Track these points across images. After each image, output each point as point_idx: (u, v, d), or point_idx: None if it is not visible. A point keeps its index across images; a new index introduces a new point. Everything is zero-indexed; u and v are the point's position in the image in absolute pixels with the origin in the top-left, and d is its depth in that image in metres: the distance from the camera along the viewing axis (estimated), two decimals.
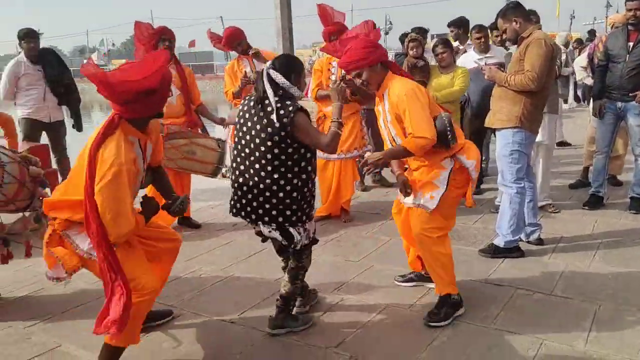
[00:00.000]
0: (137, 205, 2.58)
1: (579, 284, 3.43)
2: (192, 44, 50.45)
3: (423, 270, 3.42)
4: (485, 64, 4.93)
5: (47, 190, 3.40)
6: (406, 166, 3.26)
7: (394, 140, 3.04)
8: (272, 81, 2.76)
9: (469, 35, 6.35)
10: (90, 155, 2.35)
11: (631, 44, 4.64)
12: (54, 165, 5.65)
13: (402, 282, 3.52)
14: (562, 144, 7.92)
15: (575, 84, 11.73)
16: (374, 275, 3.71)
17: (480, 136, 5.32)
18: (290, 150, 2.73)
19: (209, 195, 5.91)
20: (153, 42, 4.60)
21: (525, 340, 2.79)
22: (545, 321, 2.98)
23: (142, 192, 2.86)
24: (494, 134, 3.98)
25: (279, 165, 2.73)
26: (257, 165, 2.76)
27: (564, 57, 7.34)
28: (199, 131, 4.94)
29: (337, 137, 2.80)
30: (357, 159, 4.96)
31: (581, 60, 6.69)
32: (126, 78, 2.38)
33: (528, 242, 4.09)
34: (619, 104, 4.77)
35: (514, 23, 3.74)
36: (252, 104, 2.82)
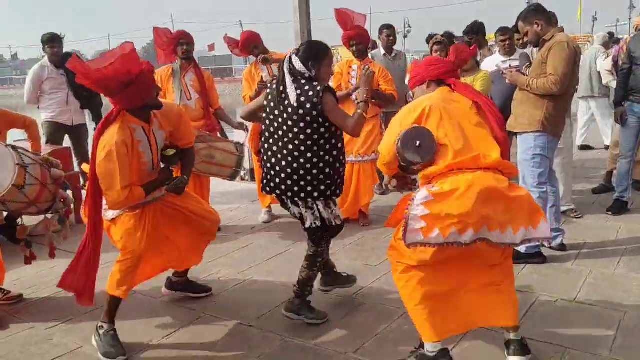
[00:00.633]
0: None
1: (603, 290, 3.37)
2: (211, 47, 50.91)
3: None
4: (510, 66, 4.87)
5: (69, 192, 3.45)
6: None
7: None
8: (292, 67, 2.87)
9: (486, 38, 6.30)
10: (94, 140, 2.81)
11: None
12: (76, 168, 5.73)
13: None
14: (585, 147, 7.81)
15: None
16: (392, 280, 3.66)
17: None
18: (322, 129, 2.85)
19: (228, 198, 5.94)
20: (172, 47, 4.64)
21: (548, 348, 2.74)
22: (568, 328, 2.93)
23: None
24: (516, 137, 3.93)
25: (312, 145, 2.85)
26: (290, 146, 2.88)
27: (604, 57, 7.13)
28: (218, 135, 4.96)
29: (361, 119, 2.89)
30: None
31: (606, 63, 6.59)
32: (95, 66, 2.69)
33: (551, 247, 4.02)
34: None
35: (535, 26, 3.69)
36: (275, 90, 2.93)
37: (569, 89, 3.69)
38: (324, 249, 3.11)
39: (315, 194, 2.92)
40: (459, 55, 2.87)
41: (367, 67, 3.10)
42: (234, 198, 5.88)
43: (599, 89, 7.25)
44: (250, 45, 5.07)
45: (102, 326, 2.92)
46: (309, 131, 2.83)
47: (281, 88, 2.88)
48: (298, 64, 2.86)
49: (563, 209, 4.67)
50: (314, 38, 5.51)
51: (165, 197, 3.08)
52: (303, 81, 2.85)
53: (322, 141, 2.86)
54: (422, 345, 2.60)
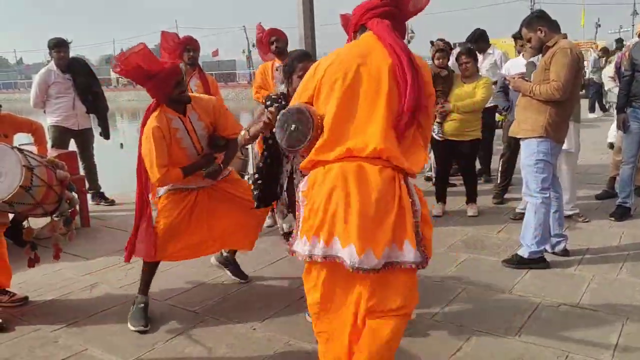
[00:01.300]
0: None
1: (606, 296, 3.37)
2: (215, 53, 51.15)
3: None
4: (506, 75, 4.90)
5: (74, 194, 3.47)
6: None
7: None
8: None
9: (489, 44, 6.36)
10: (141, 128, 3.19)
11: None
12: (82, 172, 5.77)
13: None
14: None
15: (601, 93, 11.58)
16: None
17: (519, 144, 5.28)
18: None
19: None
20: (178, 51, 4.69)
21: (551, 353, 2.75)
22: (570, 334, 2.94)
23: None
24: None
25: None
26: None
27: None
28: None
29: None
30: None
31: (609, 69, 6.61)
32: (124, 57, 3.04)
33: (553, 253, 4.03)
34: None
35: (539, 32, 3.72)
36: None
37: (572, 95, 3.71)
38: None
39: None
40: None
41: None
42: None
43: None
44: (275, 34, 5.01)
45: (136, 297, 3.33)
46: None
47: (283, 103, 2.83)
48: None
49: (568, 213, 4.69)
50: (318, 44, 5.53)
51: (218, 184, 3.39)
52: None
53: None
54: None
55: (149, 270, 3.35)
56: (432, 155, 6.27)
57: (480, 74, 5.45)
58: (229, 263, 3.86)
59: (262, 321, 3.22)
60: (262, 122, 2.78)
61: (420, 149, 2.14)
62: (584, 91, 11.25)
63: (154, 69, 3.07)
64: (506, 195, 5.67)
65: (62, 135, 5.80)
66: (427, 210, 2.17)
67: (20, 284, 3.81)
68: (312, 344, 2.93)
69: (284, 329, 3.08)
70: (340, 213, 2.01)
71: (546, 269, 3.82)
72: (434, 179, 6.06)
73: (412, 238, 2.02)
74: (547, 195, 3.82)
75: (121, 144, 15.34)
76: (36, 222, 3.56)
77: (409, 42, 46.60)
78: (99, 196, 6.16)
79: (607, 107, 12.58)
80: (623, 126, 4.86)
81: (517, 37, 5.62)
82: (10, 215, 3.41)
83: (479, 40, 6.28)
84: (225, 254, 3.85)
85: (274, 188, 3.11)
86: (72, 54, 5.97)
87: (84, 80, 5.82)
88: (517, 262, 3.87)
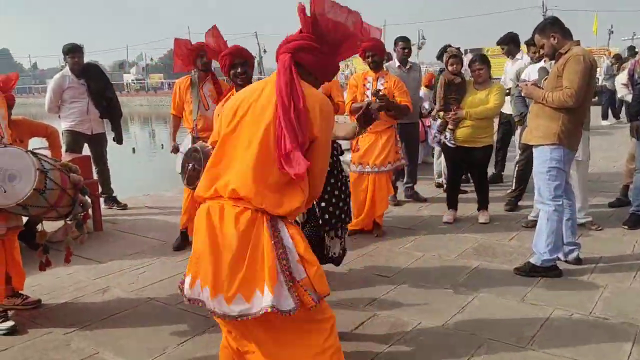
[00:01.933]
0: None
1: (619, 305, 3.34)
2: None
3: None
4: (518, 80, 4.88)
5: (87, 198, 3.51)
6: None
7: None
8: None
9: (519, 48, 6.32)
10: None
11: None
12: (95, 176, 5.82)
13: None
14: None
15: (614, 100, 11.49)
16: (406, 291, 3.68)
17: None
18: None
19: None
20: (192, 57, 4.72)
21: None
22: (583, 343, 2.91)
23: None
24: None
25: None
26: None
27: None
28: None
29: None
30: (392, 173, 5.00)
31: (622, 77, 6.57)
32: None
33: (566, 261, 4.00)
34: None
35: (552, 39, 3.70)
36: None
37: (585, 102, 3.69)
38: None
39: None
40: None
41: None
42: None
43: None
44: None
45: None
46: None
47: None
48: None
49: (581, 221, 4.65)
50: None
51: None
52: None
53: None
54: None
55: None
56: (443, 161, 6.27)
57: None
58: None
59: None
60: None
61: (297, 192, 1.98)
62: (596, 98, 11.17)
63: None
64: (520, 202, 5.64)
65: (75, 139, 5.86)
66: (305, 248, 2.00)
67: (33, 287, 3.85)
68: None
69: None
70: (204, 255, 1.97)
71: (559, 277, 3.78)
72: (445, 186, 6.05)
73: (271, 283, 1.88)
74: (560, 202, 3.79)
75: (133, 149, 15.48)
76: (49, 226, 3.60)
77: (419, 48, 46.66)
78: (112, 200, 6.21)
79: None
80: (636, 133, 4.82)
81: (529, 43, 5.60)
82: (24, 219, 3.46)
83: (509, 43, 6.23)
84: None
85: None
86: (86, 60, 6.04)
87: (98, 86, 5.89)
88: (530, 271, 3.84)
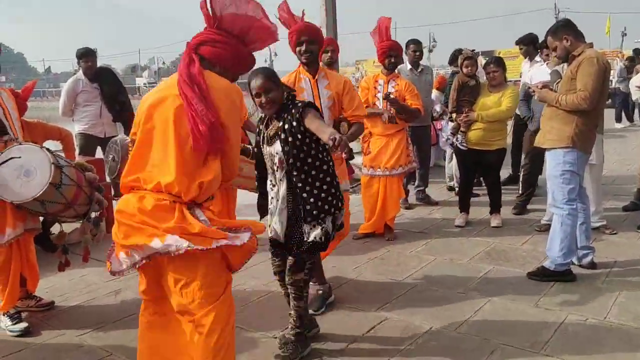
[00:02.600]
0: None
1: (634, 310, 3.29)
2: None
3: None
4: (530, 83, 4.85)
5: (102, 197, 3.52)
6: None
7: None
8: None
9: (537, 51, 6.27)
10: None
11: None
12: (107, 179, 5.85)
13: None
14: None
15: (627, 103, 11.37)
16: (418, 295, 3.67)
17: (541, 153, 5.22)
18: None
19: (253, 210, 5.94)
20: None
21: None
22: (598, 348, 2.87)
23: None
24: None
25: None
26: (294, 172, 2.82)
27: None
28: (246, 146, 5.02)
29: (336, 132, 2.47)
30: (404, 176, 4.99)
31: (636, 79, 6.50)
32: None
33: (580, 265, 3.96)
34: None
35: (565, 41, 3.68)
36: None
37: (598, 105, 3.66)
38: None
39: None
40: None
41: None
42: None
43: None
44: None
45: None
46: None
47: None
48: None
49: (595, 225, 4.60)
50: (340, 53, 5.52)
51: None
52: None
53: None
54: None
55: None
56: (454, 164, 6.24)
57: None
58: None
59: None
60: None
61: (209, 171, 2.14)
62: (610, 101, 11.07)
63: None
64: (530, 207, 5.59)
65: (88, 142, 5.91)
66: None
67: (46, 289, 3.88)
68: (333, 353, 2.92)
69: None
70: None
71: (573, 282, 3.74)
72: (456, 189, 6.02)
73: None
74: (574, 206, 3.75)
75: None
76: (66, 228, 3.62)
77: (430, 50, 46.49)
78: None
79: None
80: None
81: (542, 46, 5.56)
82: (41, 218, 3.47)
83: (529, 44, 6.17)
84: None
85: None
86: (99, 64, 6.09)
87: (110, 89, 5.93)
88: (543, 275, 3.80)
